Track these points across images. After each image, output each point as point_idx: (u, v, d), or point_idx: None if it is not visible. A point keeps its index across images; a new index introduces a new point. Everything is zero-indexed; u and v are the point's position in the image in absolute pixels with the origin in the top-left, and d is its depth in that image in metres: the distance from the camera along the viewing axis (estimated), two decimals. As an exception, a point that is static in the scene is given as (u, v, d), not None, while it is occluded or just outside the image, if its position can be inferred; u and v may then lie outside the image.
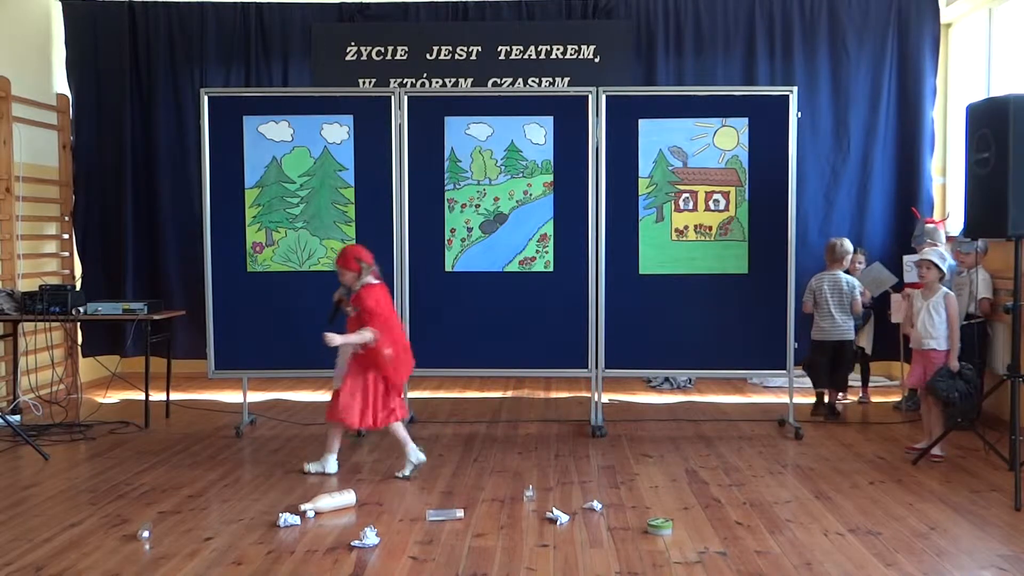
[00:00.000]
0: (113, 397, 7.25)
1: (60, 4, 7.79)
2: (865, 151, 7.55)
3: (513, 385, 7.88)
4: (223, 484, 4.87)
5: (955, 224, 6.82)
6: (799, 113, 6.02)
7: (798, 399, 6.45)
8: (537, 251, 6.02)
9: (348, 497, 4.44)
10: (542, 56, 7.64)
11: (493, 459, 5.38)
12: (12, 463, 5.33)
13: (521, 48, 7.64)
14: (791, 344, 5.96)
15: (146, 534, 3.96)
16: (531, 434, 6.07)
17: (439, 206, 6.03)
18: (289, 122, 5.98)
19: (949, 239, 6.60)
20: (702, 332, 6.01)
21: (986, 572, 3.63)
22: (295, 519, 4.19)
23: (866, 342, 7.00)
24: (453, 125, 6.01)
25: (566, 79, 7.59)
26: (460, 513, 4.27)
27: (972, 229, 5.06)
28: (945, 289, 5.42)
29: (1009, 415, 4.78)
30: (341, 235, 6.00)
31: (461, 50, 7.65)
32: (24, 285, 6.90)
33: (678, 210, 6.00)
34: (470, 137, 6.01)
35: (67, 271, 7.77)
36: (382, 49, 7.67)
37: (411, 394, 6.43)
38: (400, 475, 4.94)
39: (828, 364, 6.46)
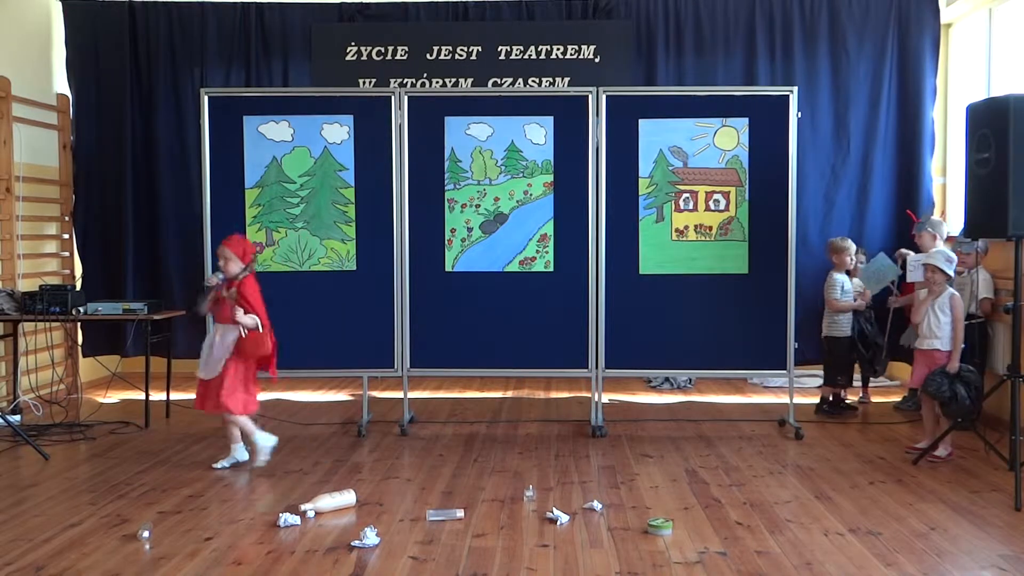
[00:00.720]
0: (113, 397, 7.24)
1: (60, 4, 7.79)
2: (865, 151, 7.54)
3: (513, 385, 7.87)
4: (223, 484, 4.87)
5: (955, 224, 6.81)
6: (799, 113, 6.02)
7: (798, 399, 6.45)
8: (537, 251, 6.02)
9: (348, 497, 4.44)
10: (542, 56, 7.64)
11: (493, 459, 5.38)
12: (12, 463, 5.33)
13: (521, 48, 7.64)
14: (791, 344, 5.97)
15: (146, 534, 3.96)
16: (531, 434, 6.07)
17: (439, 206, 6.03)
18: (289, 122, 5.98)
19: (949, 239, 6.60)
20: (702, 332, 6.02)
21: (986, 572, 3.63)
22: (295, 519, 4.19)
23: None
24: (453, 125, 6.01)
25: (566, 79, 7.59)
26: (460, 513, 4.27)
27: (972, 229, 5.05)
28: (951, 290, 5.40)
29: (1009, 415, 4.78)
30: (341, 235, 6.00)
31: (461, 50, 7.65)
32: (24, 285, 6.90)
33: (678, 210, 6.00)
34: (470, 137, 6.01)
35: (67, 271, 7.77)
36: (382, 49, 7.67)
37: (411, 394, 6.43)
38: (220, 465, 5.12)
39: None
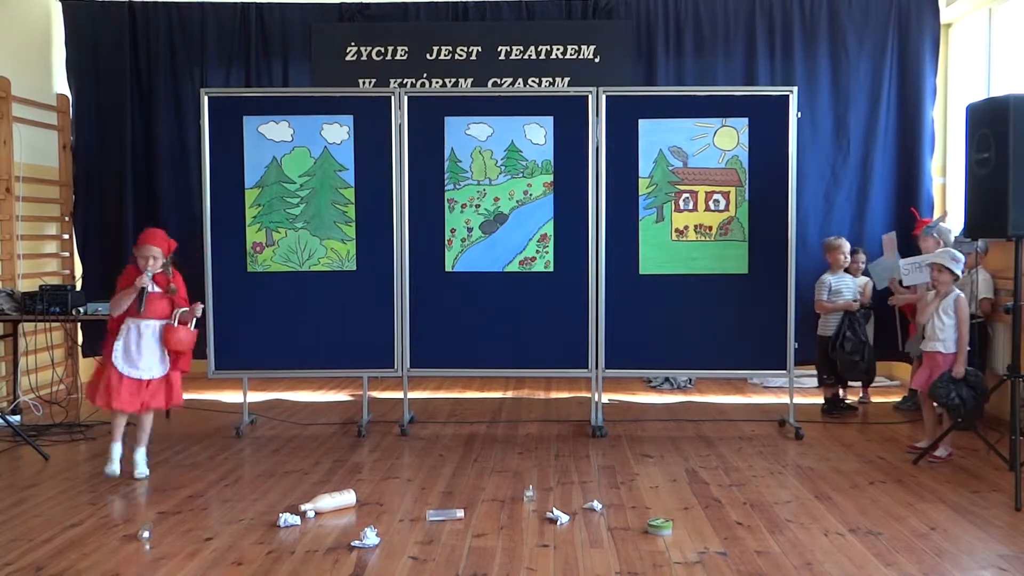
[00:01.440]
0: (113, 397, 7.24)
1: (60, 4, 7.79)
2: (865, 151, 7.54)
3: (513, 385, 7.87)
4: (223, 484, 4.87)
5: (955, 224, 6.81)
6: (799, 113, 6.02)
7: (798, 399, 6.45)
8: (537, 251, 6.02)
9: (348, 497, 4.44)
10: (542, 56, 7.64)
11: (493, 459, 5.38)
12: (12, 463, 5.34)
13: (521, 48, 7.64)
14: (791, 344, 5.96)
15: (146, 534, 3.96)
16: (531, 434, 6.07)
17: (439, 206, 6.03)
18: (289, 122, 5.98)
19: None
20: (702, 332, 6.02)
21: (986, 572, 3.63)
22: (295, 519, 4.19)
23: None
24: (453, 125, 6.01)
25: (566, 79, 7.59)
26: (460, 513, 4.27)
27: (972, 229, 5.05)
28: (957, 291, 5.27)
29: (1009, 415, 4.78)
30: (341, 235, 6.00)
31: (461, 50, 7.65)
32: (24, 285, 6.90)
33: (678, 210, 6.00)
34: (470, 137, 6.01)
35: (67, 271, 7.76)
36: (382, 49, 7.67)
37: (411, 394, 6.43)
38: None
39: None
